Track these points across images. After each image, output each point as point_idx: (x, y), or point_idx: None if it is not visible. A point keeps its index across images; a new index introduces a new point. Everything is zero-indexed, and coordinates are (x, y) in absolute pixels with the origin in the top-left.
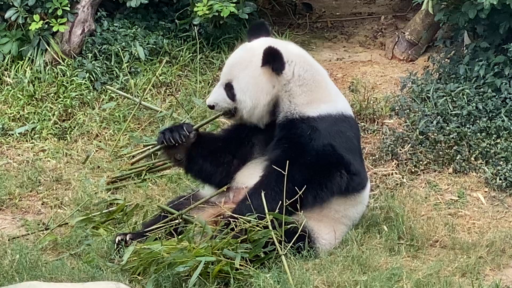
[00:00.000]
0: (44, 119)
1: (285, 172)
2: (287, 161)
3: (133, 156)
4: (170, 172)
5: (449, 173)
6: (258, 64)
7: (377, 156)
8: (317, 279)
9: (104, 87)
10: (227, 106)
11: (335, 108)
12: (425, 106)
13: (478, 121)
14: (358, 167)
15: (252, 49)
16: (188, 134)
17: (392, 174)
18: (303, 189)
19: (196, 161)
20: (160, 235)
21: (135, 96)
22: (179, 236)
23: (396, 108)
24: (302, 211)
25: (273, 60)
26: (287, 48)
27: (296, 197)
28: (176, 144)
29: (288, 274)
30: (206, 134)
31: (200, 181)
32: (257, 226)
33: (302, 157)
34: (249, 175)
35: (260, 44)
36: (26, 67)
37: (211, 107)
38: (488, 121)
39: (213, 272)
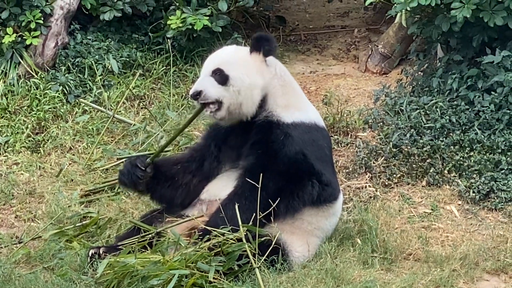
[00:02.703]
0: (17, 132)
1: (258, 182)
2: (261, 170)
3: (107, 169)
4: None
5: (422, 186)
6: (247, 53)
7: (350, 169)
8: None
9: (77, 100)
10: (216, 93)
11: (308, 116)
12: (399, 119)
13: (451, 134)
14: (330, 177)
15: (236, 47)
16: (143, 170)
17: (365, 187)
18: (276, 199)
19: (155, 189)
20: (134, 248)
21: (108, 109)
22: (153, 248)
23: (370, 121)
24: (275, 222)
25: (263, 43)
26: None
27: (271, 209)
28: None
29: (262, 287)
30: (163, 161)
31: (164, 205)
32: (231, 238)
33: (275, 165)
34: (222, 187)
35: (239, 46)
36: None
37: (197, 94)
38: (462, 134)
39: (187, 286)
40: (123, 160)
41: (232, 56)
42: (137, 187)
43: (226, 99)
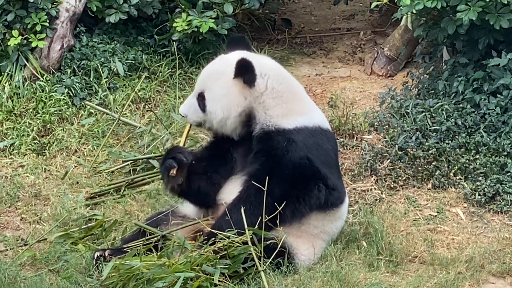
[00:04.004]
0: (22, 135)
1: (263, 186)
2: (266, 175)
3: (112, 172)
4: (149, 187)
5: (428, 189)
6: (231, 75)
7: (356, 171)
8: None
9: (83, 103)
10: (197, 119)
11: (312, 120)
12: (404, 122)
13: (457, 136)
14: (336, 181)
15: (226, 61)
16: (186, 156)
17: (371, 189)
18: (282, 204)
19: (194, 182)
20: (139, 250)
21: (114, 112)
22: (158, 251)
23: (375, 123)
24: (281, 226)
25: (245, 72)
26: (261, 61)
27: (276, 212)
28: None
29: None
30: (194, 156)
31: (195, 202)
32: (237, 241)
33: (279, 171)
34: (228, 191)
35: (235, 56)
36: (5, 83)
37: (183, 116)
38: (467, 136)
39: None
40: (129, 162)
41: (215, 82)
42: (180, 175)
43: (205, 122)
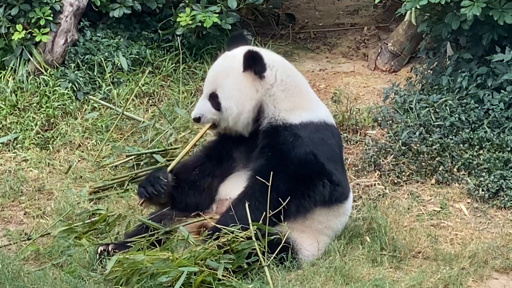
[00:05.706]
0: (26, 129)
1: (268, 182)
2: (271, 171)
3: (116, 166)
4: None
5: (431, 184)
6: (240, 70)
7: (359, 167)
8: None
9: (86, 97)
10: (212, 117)
11: (317, 115)
12: (408, 117)
13: (460, 132)
14: (340, 177)
15: (232, 57)
16: (167, 181)
17: (374, 185)
18: (286, 199)
19: (180, 200)
20: (143, 245)
21: (117, 106)
22: (162, 246)
23: (379, 119)
24: (285, 222)
25: (254, 63)
26: (267, 54)
27: (280, 208)
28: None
29: (270, 285)
30: (180, 168)
31: (190, 212)
32: (241, 237)
33: (285, 166)
34: (232, 187)
35: (240, 51)
36: (9, 77)
37: (197, 119)
38: (471, 132)
39: (196, 283)
40: (132, 157)
41: (226, 79)
42: (159, 199)
43: (220, 121)
